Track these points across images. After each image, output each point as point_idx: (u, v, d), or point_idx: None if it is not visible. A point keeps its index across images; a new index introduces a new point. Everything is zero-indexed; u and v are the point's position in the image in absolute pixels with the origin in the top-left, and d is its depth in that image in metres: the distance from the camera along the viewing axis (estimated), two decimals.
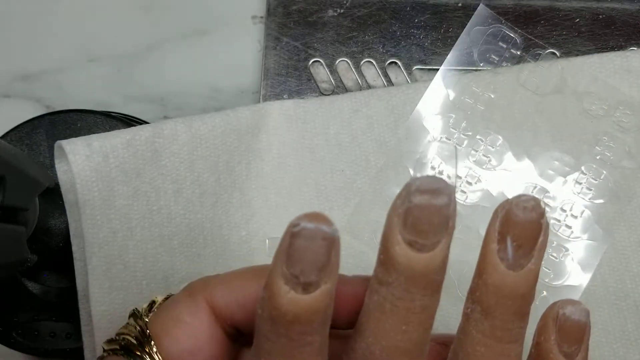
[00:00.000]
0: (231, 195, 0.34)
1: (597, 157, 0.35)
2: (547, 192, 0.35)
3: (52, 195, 0.32)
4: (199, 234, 0.34)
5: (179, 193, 0.33)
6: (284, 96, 0.38)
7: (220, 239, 0.34)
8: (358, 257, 0.35)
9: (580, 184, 0.35)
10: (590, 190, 0.35)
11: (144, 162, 0.33)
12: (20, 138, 0.35)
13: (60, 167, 0.31)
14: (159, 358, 0.22)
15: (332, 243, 0.19)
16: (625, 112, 0.36)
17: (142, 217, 0.32)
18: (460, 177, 0.35)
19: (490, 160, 0.36)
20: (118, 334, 0.24)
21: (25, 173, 0.28)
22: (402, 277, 0.19)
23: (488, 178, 0.35)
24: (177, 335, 0.23)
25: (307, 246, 0.18)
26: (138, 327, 0.23)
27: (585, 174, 0.35)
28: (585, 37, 0.38)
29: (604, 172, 0.35)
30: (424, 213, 0.19)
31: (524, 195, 0.20)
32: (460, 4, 0.39)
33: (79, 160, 0.31)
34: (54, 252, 0.33)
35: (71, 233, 0.32)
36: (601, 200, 0.35)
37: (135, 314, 0.24)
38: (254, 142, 0.35)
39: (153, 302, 0.25)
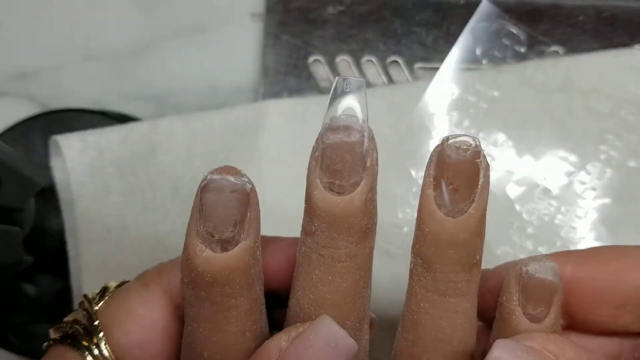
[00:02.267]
0: None
1: (602, 156, 0.35)
2: (551, 192, 0.35)
3: (48, 195, 0.32)
4: None
5: (176, 190, 0.33)
6: (284, 95, 0.38)
7: None
8: None
9: (585, 183, 0.35)
10: (595, 190, 0.35)
11: (140, 159, 0.32)
12: (15, 138, 0.35)
13: (56, 165, 0.31)
14: (107, 350, 0.21)
15: (244, 195, 0.18)
16: (630, 110, 0.35)
17: (137, 214, 0.32)
18: None
19: (493, 160, 0.35)
20: (65, 322, 0.22)
21: (20, 173, 0.28)
22: (324, 224, 0.18)
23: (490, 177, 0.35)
24: (128, 327, 0.21)
25: (216, 199, 0.17)
26: (87, 315, 0.22)
27: (590, 174, 0.35)
28: (589, 34, 0.38)
29: (609, 171, 0.35)
30: (337, 152, 0.18)
31: (458, 134, 0.18)
32: (462, 1, 0.38)
33: (73, 155, 0.31)
34: (50, 253, 0.33)
35: (66, 231, 0.32)
36: (606, 200, 0.35)
37: (84, 301, 0.23)
38: (253, 140, 0.35)
39: (105, 289, 0.23)
